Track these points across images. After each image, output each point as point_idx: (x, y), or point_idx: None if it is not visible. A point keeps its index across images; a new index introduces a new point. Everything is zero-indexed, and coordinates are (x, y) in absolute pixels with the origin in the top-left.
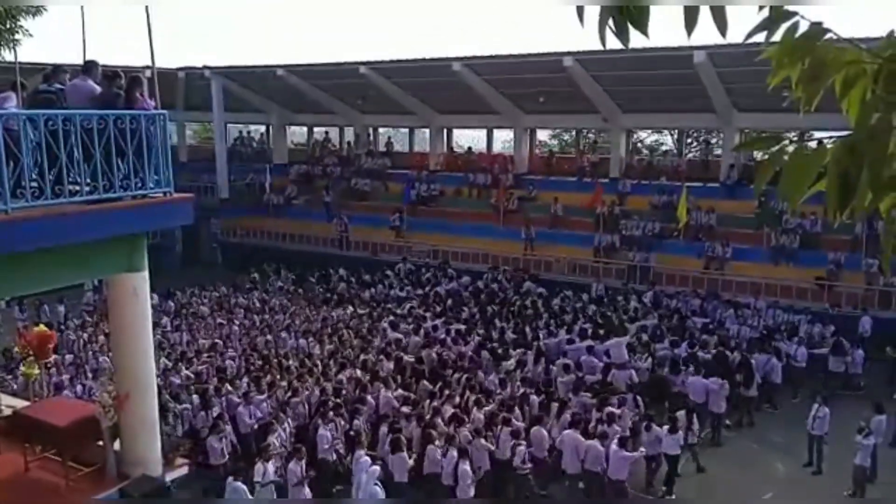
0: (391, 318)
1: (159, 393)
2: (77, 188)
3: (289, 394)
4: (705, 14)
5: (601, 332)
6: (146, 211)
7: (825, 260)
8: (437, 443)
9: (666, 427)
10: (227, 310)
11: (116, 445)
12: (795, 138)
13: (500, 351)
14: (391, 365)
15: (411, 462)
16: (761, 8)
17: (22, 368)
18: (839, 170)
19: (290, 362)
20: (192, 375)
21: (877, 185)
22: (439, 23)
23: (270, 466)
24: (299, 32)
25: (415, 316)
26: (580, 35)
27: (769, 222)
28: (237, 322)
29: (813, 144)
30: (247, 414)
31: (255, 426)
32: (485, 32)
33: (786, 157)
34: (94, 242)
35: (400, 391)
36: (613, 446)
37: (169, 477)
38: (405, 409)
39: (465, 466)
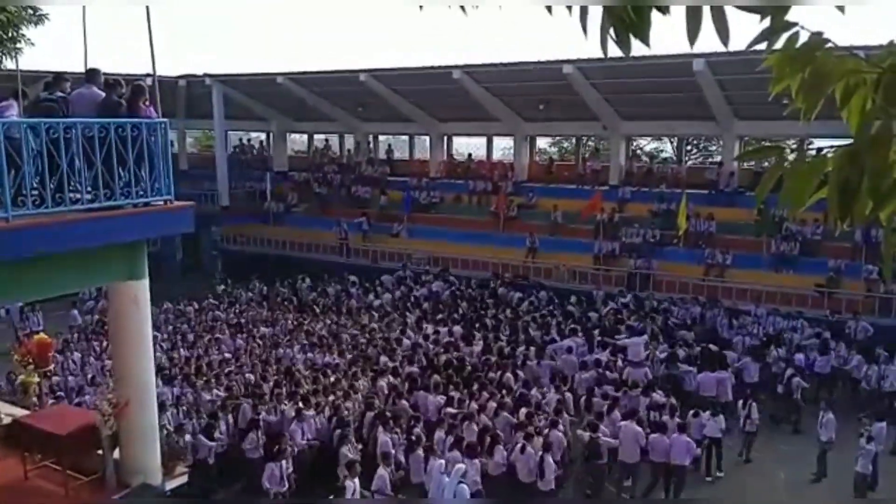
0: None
1: (196, 413)
2: (78, 196)
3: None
4: (706, 23)
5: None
6: (147, 219)
7: (825, 267)
8: (518, 440)
9: (709, 412)
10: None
11: (116, 454)
12: (796, 146)
13: (506, 351)
14: (416, 369)
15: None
16: (763, 18)
17: (21, 377)
18: (840, 178)
19: (316, 376)
20: (223, 393)
21: (877, 194)
22: (440, 31)
23: (356, 482)
24: (300, 40)
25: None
26: (580, 43)
27: (769, 230)
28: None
29: (814, 153)
30: (299, 432)
31: (307, 446)
32: (485, 40)
33: (787, 166)
34: (94, 250)
35: (440, 396)
36: (675, 434)
37: (169, 486)
38: (451, 410)
39: (550, 459)
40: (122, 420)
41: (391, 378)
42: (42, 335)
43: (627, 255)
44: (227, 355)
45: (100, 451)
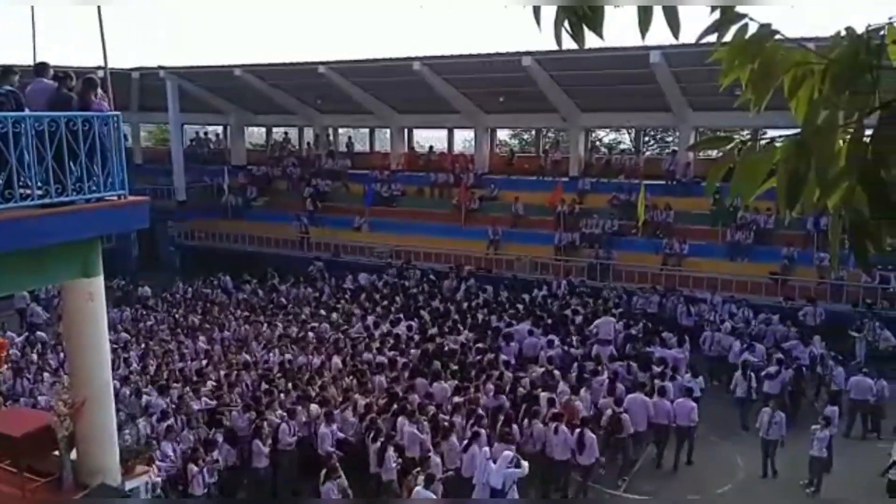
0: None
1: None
2: (28, 192)
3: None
4: (659, 15)
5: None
6: (100, 215)
7: (779, 255)
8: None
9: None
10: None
11: (73, 454)
12: (747, 137)
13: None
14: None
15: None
16: (713, 10)
17: None
18: (788, 168)
19: (311, 376)
20: (211, 401)
21: (824, 182)
22: (399, 22)
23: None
24: (257, 31)
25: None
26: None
27: (724, 219)
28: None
29: (764, 143)
30: (329, 435)
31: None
32: (444, 32)
33: (737, 156)
34: (47, 248)
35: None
36: (680, 399)
37: (129, 485)
38: (457, 399)
39: (590, 433)
40: (79, 420)
41: (388, 371)
42: None
43: (588, 246)
44: (202, 361)
45: (56, 453)
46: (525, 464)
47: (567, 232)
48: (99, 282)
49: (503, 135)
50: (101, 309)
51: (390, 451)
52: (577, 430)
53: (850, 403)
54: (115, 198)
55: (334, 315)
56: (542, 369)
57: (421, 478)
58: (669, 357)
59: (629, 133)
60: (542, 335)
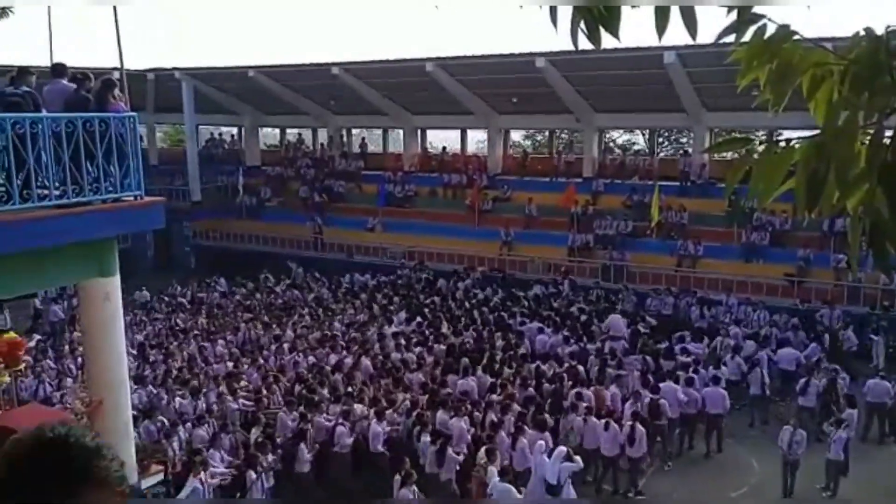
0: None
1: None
2: (46, 192)
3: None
4: (675, 16)
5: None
6: (117, 215)
7: (794, 257)
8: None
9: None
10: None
11: None
12: (765, 138)
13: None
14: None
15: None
16: (730, 10)
17: None
18: (807, 170)
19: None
20: (250, 403)
21: (844, 184)
22: (412, 23)
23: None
24: (271, 33)
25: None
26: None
27: (740, 220)
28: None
29: (783, 144)
30: (381, 434)
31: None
32: (458, 33)
33: (755, 158)
34: (64, 247)
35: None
36: (709, 388)
37: (144, 484)
38: (495, 397)
39: (641, 427)
40: (96, 419)
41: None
42: (12, 334)
43: (601, 247)
44: (227, 363)
45: None
46: (578, 458)
47: (581, 233)
48: (115, 281)
49: (516, 136)
50: (118, 308)
51: (450, 451)
52: (629, 424)
53: (867, 407)
54: (132, 198)
55: (339, 316)
56: (566, 364)
57: (492, 468)
58: (693, 350)
59: (643, 134)
60: (552, 333)
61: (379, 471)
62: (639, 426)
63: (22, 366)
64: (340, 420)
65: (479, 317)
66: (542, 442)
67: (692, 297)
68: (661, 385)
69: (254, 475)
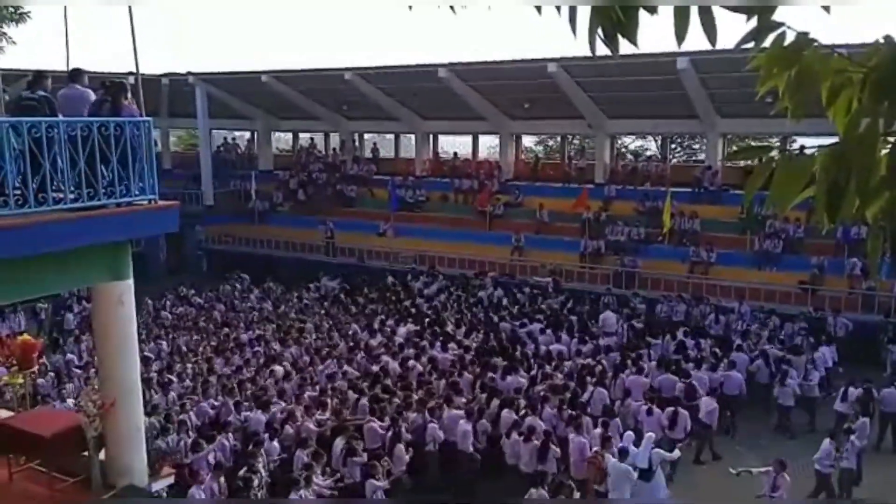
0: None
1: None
2: (61, 196)
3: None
4: (693, 22)
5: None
6: (131, 218)
7: (808, 264)
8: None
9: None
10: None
11: (102, 455)
12: (779, 144)
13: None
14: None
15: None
16: (749, 18)
17: (5, 378)
18: (828, 178)
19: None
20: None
21: (864, 193)
22: (426, 29)
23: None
24: (285, 38)
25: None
26: (565, 41)
27: (753, 227)
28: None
29: (806, 152)
30: (471, 433)
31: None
32: (470, 39)
33: (775, 165)
34: (78, 250)
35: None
36: (723, 370)
37: (155, 487)
38: (540, 388)
39: (684, 411)
40: (108, 421)
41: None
42: (26, 336)
43: (613, 253)
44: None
45: (85, 453)
46: (677, 451)
47: (592, 239)
48: (129, 285)
49: (528, 141)
50: (131, 311)
51: (553, 447)
52: (671, 409)
53: (881, 416)
54: (146, 202)
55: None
56: (587, 360)
57: (608, 454)
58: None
59: (655, 140)
60: (552, 333)
61: (469, 470)
62: (681, 410)
63: (36, 368)
64: (430, 419)
65: (481, 318)
66: (631, 433)
67: (706, 304)
68: (660, 377)
69: (377, 483)
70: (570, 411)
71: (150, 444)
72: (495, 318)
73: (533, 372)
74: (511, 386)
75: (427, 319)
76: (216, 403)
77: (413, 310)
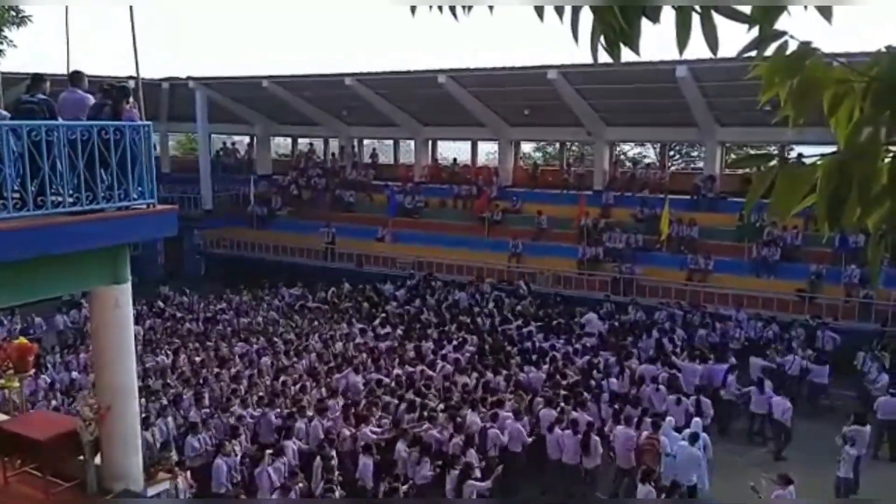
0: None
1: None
2: (60, 199)
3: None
4: (695, 31)
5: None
6: (130, 222)
7: (806, 272)
8: None
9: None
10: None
11: (98, 460)
12: (778, 153)
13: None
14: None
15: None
16: (751, 27)
17: (0, 381)
18: (829, 187)
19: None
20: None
21: (866, 202)
22: (425, 35)
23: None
24: (285, 44)
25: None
26: (565, 49)
27: (751, 235)
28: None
29: (808, 161)
30: (523, 432)
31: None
32: (470, 45)
33: (776, 174)
34: (76, 254)
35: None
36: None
37: (151, 491)
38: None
39: (706, 399)
40: (104, 426)
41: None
42: (22, 339)
43: (611, 260)
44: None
45: (81, 457)
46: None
47: (590, 246)
48: (126, 288)
49: (527, 148)
50: (128, 315)
51: (595, 438)
52: (694, 398)
53: (878, 424)
54: (145, 206)
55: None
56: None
57: (664, 438)
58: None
59: (654, 147)
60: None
61: (519, 468)
62: (703, 398)
63: (32, 371)
64: (489, 424)
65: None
66: (672, 419)
67: (697, 312)
68: (682, 364)
69: (478, 484)
70: (614, 405)
71: (179, 441)
72: (482, 321)
73: (546, 367)
74: (535, 382)
75: (407, 323)
76: (274, 413)
77: (384, 314)
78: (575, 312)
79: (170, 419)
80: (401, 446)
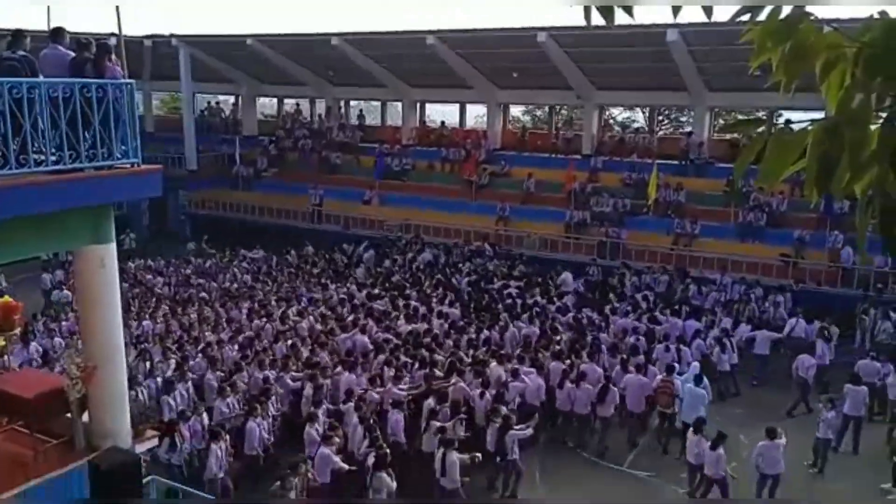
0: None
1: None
2: (42, 158)
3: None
4: None
5: None
6: (113, 182)
7: (791, 237)
8: None
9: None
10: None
11: (85, 417)
12: (766, 117)
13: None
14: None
15: None
16: None
17: None
18: (819, 151)
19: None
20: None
21: (856, 167)
22: None
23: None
24: (273, 2)
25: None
26: (554, 10)
27: (737, 200)
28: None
29: (797, 127)
30: (542, 388)
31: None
32: (460, 6)
33: (768, 139)
34: (60, 213)
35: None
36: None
37: (139, 448)
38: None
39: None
40: (91, 384)
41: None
42: (7, 298)
43: (598, 224)
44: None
45: (68, 415)
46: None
47: (578, 210)
48: (111, 248)
49: (516, 111)
50: (114, 275)
51: (613, 389)
52: (675, 346)
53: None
54: (128, 165)
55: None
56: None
57: (677, 382)
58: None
59: (643, 112)
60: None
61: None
62: (684, 347)
63: (18, 330)
64: (509, 378)
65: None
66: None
67: (686, 282)
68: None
69: (519, 433)
70: (622, 356)
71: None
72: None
73: (539, 323)
74: (531, 336)
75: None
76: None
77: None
78: (550, 273)
79: (158, 379)
80: (431, 402)
